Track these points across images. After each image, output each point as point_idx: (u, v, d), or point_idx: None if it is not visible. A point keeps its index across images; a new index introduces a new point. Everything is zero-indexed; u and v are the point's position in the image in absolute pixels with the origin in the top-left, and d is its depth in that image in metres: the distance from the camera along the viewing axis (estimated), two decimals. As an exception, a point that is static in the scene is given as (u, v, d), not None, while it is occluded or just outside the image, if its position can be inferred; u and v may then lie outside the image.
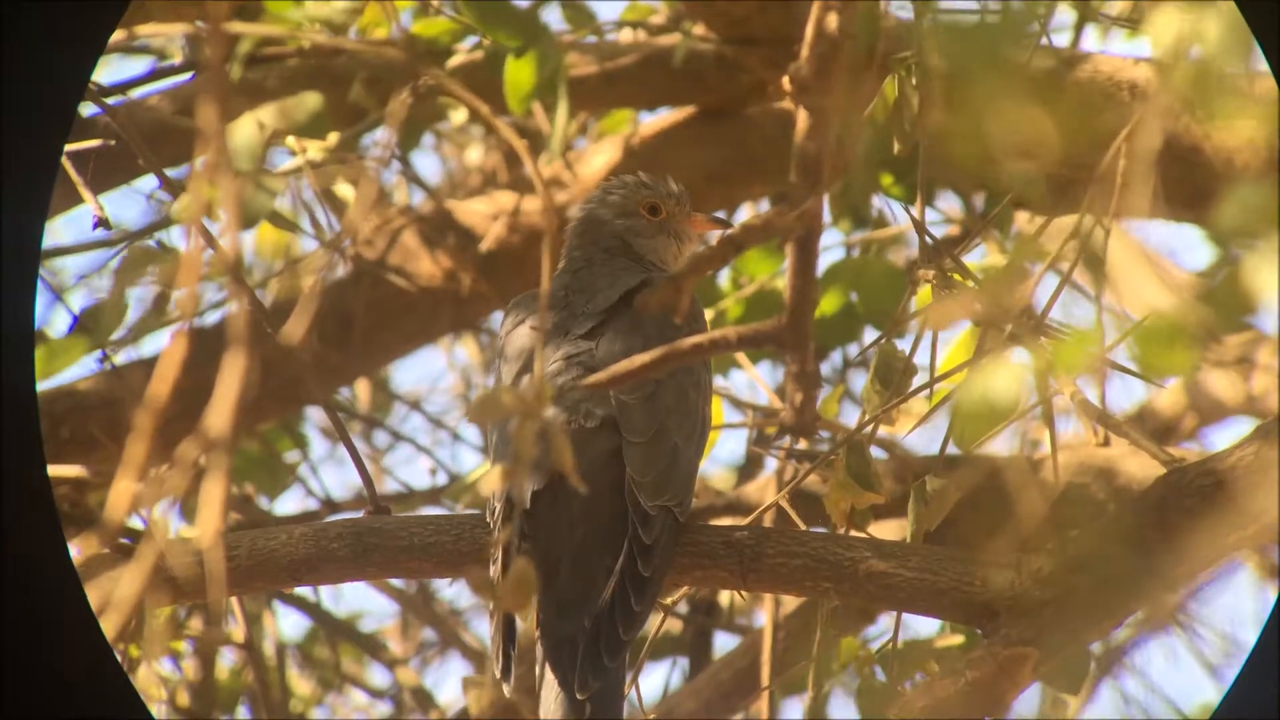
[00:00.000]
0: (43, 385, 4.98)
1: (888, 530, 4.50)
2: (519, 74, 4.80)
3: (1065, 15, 4.96)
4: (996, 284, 3.73)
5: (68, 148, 4.13)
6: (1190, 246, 6.99)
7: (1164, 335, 3.06)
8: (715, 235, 4.04)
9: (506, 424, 3.62)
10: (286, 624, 7.75)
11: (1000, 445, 4.52)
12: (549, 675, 3.49)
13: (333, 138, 4.88)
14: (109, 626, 2.82)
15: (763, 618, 5.21)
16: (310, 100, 4.73)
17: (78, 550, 5.01)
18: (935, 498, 3.73)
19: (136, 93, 5.02)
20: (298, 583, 3.66)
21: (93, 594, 3.24)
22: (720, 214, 4.78)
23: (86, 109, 4.70)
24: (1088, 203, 3.64)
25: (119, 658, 3.29)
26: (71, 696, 3.22)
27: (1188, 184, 4.80)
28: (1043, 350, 3.48)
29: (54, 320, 5.25)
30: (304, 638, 6.15)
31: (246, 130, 4.59)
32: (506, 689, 3.58)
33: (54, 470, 4.96)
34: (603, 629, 3.48)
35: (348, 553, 3.63)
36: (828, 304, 5.25)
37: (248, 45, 4.94)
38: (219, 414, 2.59)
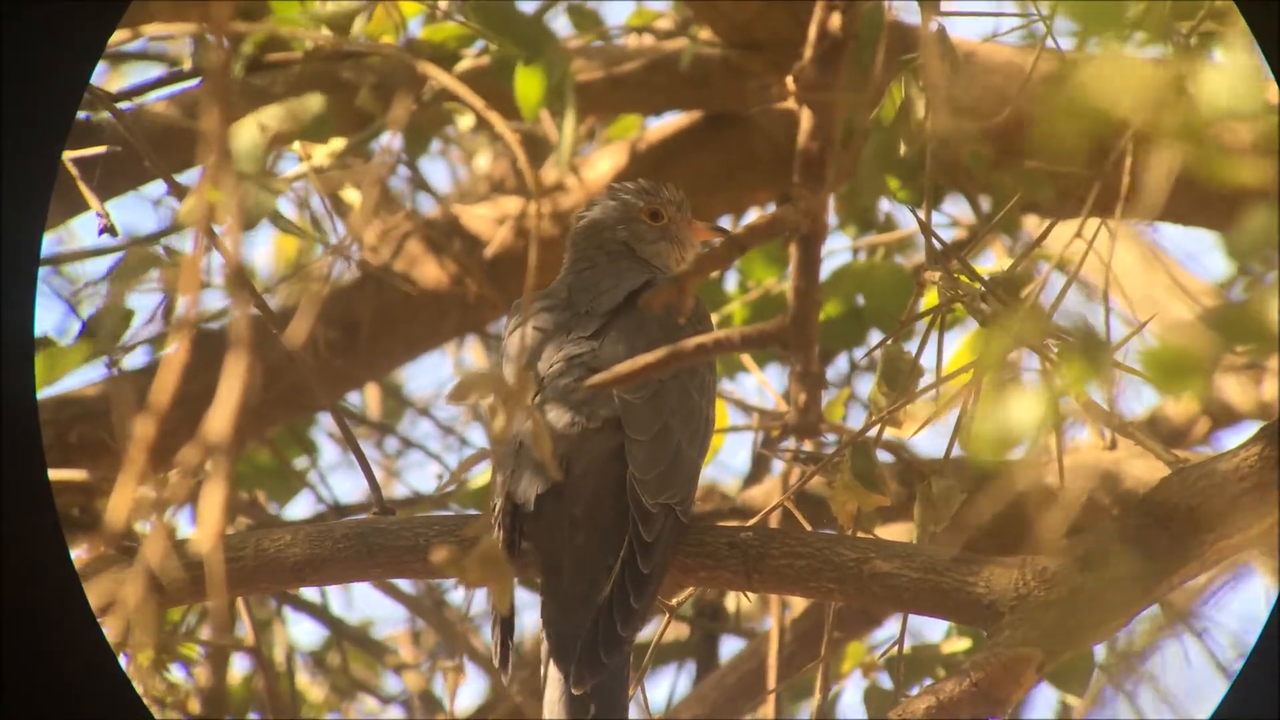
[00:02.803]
0: (49, 391, 4.99)
1: (895, 533, 4.49)
2: (530, 82, 4.80)
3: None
4: (1004, 287, 3.74)
5: (75, 154, 4.14)
6: (1205, 251, 6.98)
7: (1177, 360, 3.05)
8: (716, 243, 4.04)
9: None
10: (298, 631, 7.76)
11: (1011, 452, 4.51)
12: (553, 674, 3.49)
13: (338, 143, 4.89)
14: (113, 631, 2.83)
15: (769, 621, 5.21)
16: (313, 102, 4.73)
17: (81, 554, 5.02)
18: (940, 499, 3.73)
19: (144, 98, 5.03)
20: (302, 583, 3.67)
21: (96, 598, 3.24)
22: (722, 222, 4.78)
23: (93, 114, 4.72)
24: (1094, 207, 3.64)
25: (122, 663, 3.29)
26: (72, 701, 3.22)
27: (1194, 188, 4.79)
28: (1051, 357, 3.48)
29: (62, 326, 5.26)
30: (316, 644, 6.17)
31: (249, 133, 4.60)
32: (505, 678, 3.59)
33: (62, 475, 4.97)
34: (601, 626, 3.49)
35: (352, 553, 3.64)
36: (834, 306, 5.25)
37: (251, 46, 4.95)
38: (219, 419, 2.59)
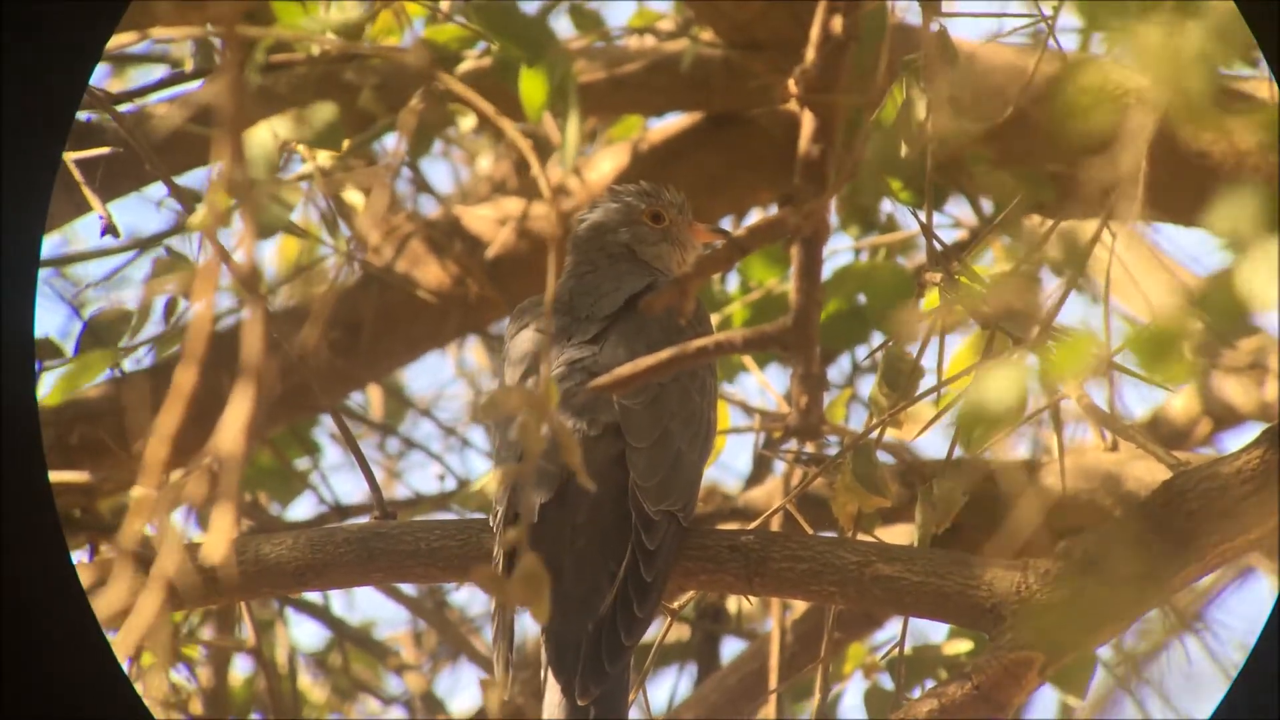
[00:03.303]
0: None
1: (897, 535, 4.49)
2: (534, 84, 4.80)
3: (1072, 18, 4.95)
4: (1004, 288, 3.73)
5: (78, 155, 4.14)
6: (1209, 252, 6.96)
7: (1160, 344, 3.04)
8: (718, 245, 4.04)
9: (509, 429, 3.63)
10: (300, 632, 7.76)
11: (1009, 450, 4.51)
12: (552, 679, 3.49)
13: (343, 144, 4.88)
14: (122, 635, 2.82)
15: (770, 623, 5.21)
16: (325, 110, 4.73)
17: (87, 557, 5.02)
18: (942, 501, 3.73)
19: (146, 100, 5.03)
20: (304, 588, 3.67)
21: (102, 602, 3.24)
22: (724, 223, 4.78)
23: (95, 116, 4.72)
24: (1105, 207, 3.63)
25: (123, 664, 3.29)
26: (72, 701, 3.22)
27: (1197, 188, 4.79)
28: (1047, 354, 3.48)
29: (64, 328, 5.26)
30: (318, 645, 6.17)
31: (261, 139, 4.59)
32: (505, 693, 3.59)
33: (63, 476, 4.97)
34: (604, 634, 3.48)
35: (353, 558, 3.64)
36: (836, 308, 5.25)
37: (260, 53, 4.94)
38: (230, 433, 2.58)
